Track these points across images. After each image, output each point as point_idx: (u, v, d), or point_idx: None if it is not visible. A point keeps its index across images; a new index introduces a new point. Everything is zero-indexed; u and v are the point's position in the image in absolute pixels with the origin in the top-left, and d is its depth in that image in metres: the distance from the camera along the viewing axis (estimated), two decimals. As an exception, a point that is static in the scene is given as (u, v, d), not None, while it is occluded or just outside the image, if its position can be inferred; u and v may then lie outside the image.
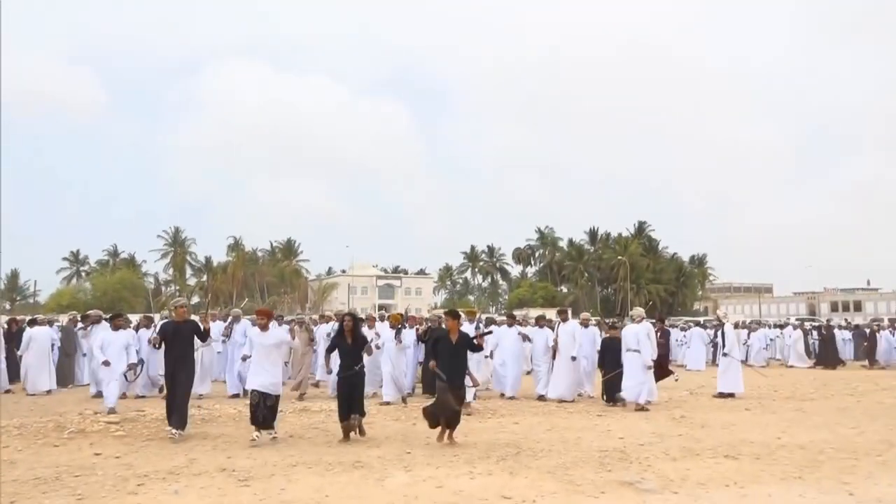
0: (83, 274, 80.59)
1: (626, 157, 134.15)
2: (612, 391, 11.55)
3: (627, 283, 73.96)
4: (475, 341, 8.51)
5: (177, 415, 8.29)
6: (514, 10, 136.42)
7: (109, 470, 6.58)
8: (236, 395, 12.52)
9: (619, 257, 76.17)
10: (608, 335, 12.02)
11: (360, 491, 5.82)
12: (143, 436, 8.42)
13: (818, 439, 8.34)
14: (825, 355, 21.81)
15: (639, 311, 12.07)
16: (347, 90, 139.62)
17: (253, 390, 8.07)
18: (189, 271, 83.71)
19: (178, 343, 8.47)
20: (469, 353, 8.71)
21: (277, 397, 8.18)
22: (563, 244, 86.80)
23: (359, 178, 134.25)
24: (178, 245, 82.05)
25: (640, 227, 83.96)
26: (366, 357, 8.89)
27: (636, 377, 11.16)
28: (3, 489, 5.85)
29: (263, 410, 7.96)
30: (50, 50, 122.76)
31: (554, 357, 12.14)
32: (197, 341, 8.83)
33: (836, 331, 23.62)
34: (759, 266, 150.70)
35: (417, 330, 12.82)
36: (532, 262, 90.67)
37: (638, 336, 11.31)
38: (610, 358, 11.64)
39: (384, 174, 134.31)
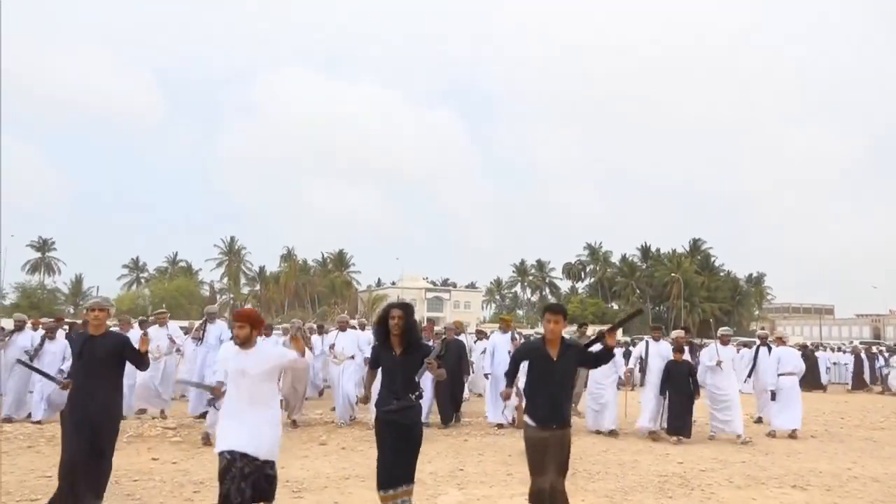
0: (142, 281, 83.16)
1: (682, 170, 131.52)
2: (677, 421, 9.80)
3: (681, 300, 72.31)
4: (604, 343, 4.85)
5: (74, 491, 4.98)
6: (570, 17, 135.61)
7: (166, 475, 6.67)
8: (204, 416, 9.67)
9: (673, 274, 74.59)
10: (674, 359, 10.17)
11: (413, 507, 5.74)
12: (198, 442, 8.51)
13: (893, 472, 7.88)
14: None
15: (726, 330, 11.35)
16: (400, 99, 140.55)
17: (222, 453, 4.48)
18: (243, 280, 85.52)
19: (88, 367, 5.14)
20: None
21: (271, 464, 4.60)
22: (615, 259, 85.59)
23: (411, 188, 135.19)
24: (232, 254, 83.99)
25: (695, 244, 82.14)
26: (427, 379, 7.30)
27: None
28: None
29: (242, 483, 4.38)
30: (114, 60, 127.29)
31: (642, 382, 10.58)
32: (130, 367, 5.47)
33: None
34: (820, 286, 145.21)
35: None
36: (582, 277, 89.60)
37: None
38: (674, 384, 9.90)
39: (436, 184, 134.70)
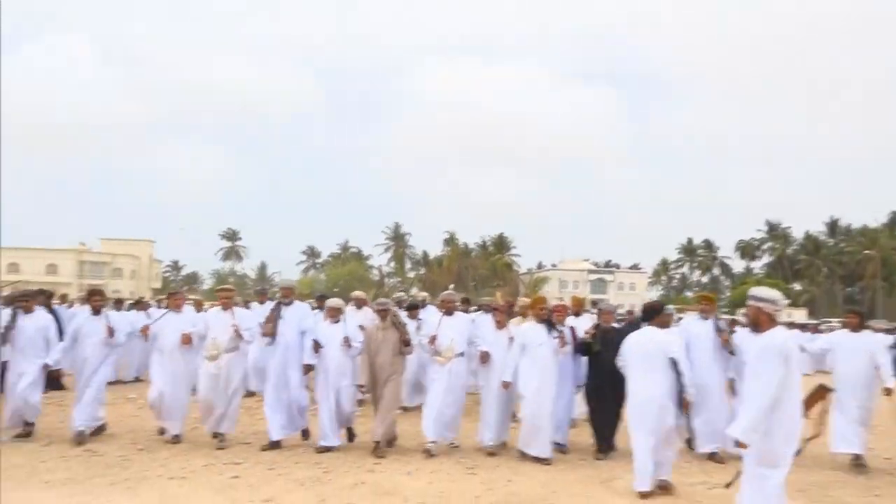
0: (318, 266, 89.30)
1: (872, 135, 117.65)
2: None
3: (878, 279, 65.10)
4: None
5: None
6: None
7: (353, 447, 7.10)
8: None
9: (867, 251, 67.27)
10: None
11: (587, 490, 5.72)
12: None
13: None
14: None
15: None
16: (557, 78, 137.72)
17: None
18: (408, 264, 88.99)
19: None
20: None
21: None
22: (797, 236, 78.79)
23: (570, 169, 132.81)
24: (398, 239, 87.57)
25: (895, 217, 73.40)
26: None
27: None
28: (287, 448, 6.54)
29: None
30: (280, 56, 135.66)
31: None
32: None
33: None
34: None
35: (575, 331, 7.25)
36: (758, 256, 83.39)
37: None
38: None
39: (595, 164, 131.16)
